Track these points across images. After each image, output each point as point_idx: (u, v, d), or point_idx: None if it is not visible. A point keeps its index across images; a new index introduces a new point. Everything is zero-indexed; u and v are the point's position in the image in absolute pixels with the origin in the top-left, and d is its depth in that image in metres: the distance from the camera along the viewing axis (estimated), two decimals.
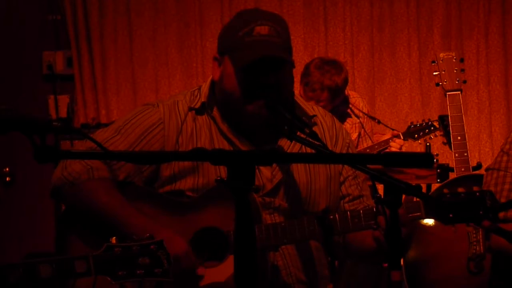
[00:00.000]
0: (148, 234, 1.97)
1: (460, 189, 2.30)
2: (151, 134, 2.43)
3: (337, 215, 2.36)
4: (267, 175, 2.43)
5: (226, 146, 2.44)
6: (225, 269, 2.27)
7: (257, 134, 2.46)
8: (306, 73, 4.54)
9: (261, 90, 2.34)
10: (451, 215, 2.28)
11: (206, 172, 2.40)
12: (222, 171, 2.38)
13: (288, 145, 2.47)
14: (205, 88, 2.50)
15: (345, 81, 4.56)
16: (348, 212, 2.38)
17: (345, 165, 2.55)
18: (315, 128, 2.47)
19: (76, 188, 2.36)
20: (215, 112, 2.47)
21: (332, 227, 2.33)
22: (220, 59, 2.43)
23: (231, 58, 2.38)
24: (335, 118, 2.64)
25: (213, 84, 2.51)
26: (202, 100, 2.47)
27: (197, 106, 2.47)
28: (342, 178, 2.55)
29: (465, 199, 2.28)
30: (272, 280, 2.33)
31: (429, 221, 3.33)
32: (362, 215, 2.35)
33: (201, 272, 2.29)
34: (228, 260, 2.30)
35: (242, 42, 2.35)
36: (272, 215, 2.42)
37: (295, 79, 2.49)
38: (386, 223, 1.95)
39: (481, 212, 2.28)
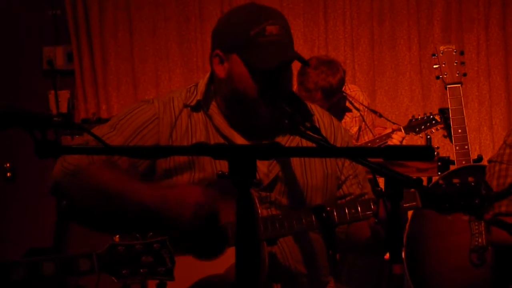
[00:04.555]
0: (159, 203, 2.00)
1: (455, 180, 2.32)
2: (146, 129, 2.43)
3: (334, 207, 2.39)
4: (263, 170, 2.43)
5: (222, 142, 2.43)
6: (224, 261, 2.29)
7: (259, 130, 2.45)
8: (301, 72, 4.52)
9: (280, 92, 2.34)
10: (447, 205, 2.31)
11: (202, 167, 2.39)
12: (219, 166, 2.38)
13: (286, 141, 2.48)
14: (202, 85, 2.49)
15: (341, 81, 4.53)
16: (345, 203, 2.41)
17: (345, 165, 2.56)
18: None
19: (79, 174, 2.36)
20: (213, 109, 2.46)
21: (330, 218, 2.35)
22: (224, 56, 2.40)
23: (243, 57, 2.36)
24: (332, 117, 2.64)
25: (210, 80, 2.50)
26: (198, 98, 2.46)
27: (192, 104, 2.46)
28: (343, 177, 2.56)
29: (460, 189, 2.31)
30: (270, 274, 2.33)
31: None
32: (358, 205, 2.38)
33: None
34: (227, 252, 2.31)
35: (255, 42, 2.34)
36: (269, 210, 2.42)
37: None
38: (387, 216, 1.96)
39: (476, 201, 2.31)
